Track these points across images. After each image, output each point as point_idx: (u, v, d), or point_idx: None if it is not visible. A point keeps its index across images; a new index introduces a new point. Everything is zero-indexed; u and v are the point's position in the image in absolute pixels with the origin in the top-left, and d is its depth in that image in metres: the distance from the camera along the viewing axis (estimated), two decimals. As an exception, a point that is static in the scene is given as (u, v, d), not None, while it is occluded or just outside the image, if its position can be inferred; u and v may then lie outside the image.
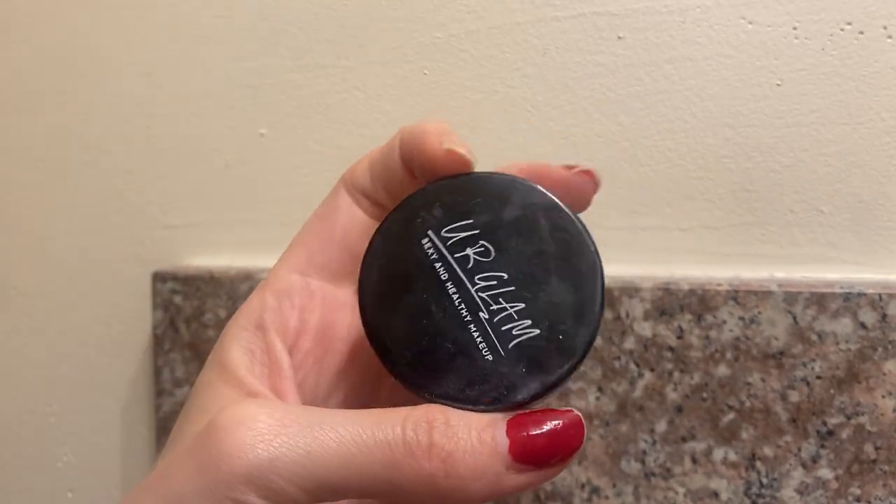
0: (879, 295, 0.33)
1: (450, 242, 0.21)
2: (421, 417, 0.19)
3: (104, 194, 0.44)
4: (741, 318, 0.34)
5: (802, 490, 0.34)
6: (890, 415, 0.33)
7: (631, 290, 0.35)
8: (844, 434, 0.34)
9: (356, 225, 0.24)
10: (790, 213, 0.36)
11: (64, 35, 0.43)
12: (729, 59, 0.36)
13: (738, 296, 0.34)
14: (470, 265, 0.21)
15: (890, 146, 0.35)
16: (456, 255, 0.21)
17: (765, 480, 0.35)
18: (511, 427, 0.20)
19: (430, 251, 0.22)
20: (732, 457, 0.35)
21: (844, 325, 0.33)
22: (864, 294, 0.33)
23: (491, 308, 0.21)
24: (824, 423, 0.34)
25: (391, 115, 0.39)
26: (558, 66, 0.37)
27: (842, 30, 0.35)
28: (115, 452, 0.45)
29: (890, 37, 0.34)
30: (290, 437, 0.18)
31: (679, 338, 0.35)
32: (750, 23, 0.35)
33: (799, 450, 0.34)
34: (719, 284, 0.35)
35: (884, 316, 0.33)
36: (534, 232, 0.21)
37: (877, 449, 0.34)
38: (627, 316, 0.35)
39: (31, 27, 0.44)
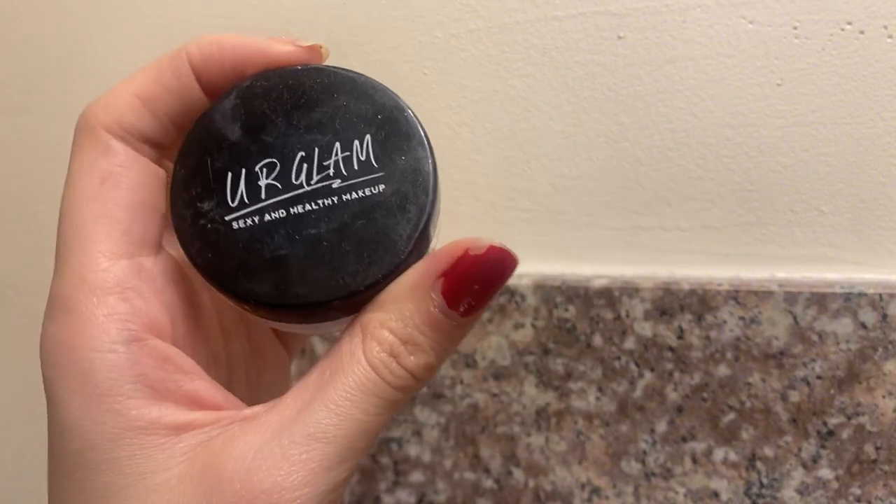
0: (880, 295, 0.33)
1: (246, 201, 0.20)
2: (373, 349, 0.19)
3: (104, 194, 0.43)
4: (741, 318, 0.34)
5: (803, 490, 0.34)
6: (890, 415, 0.33)
7: (631, 290, 0.35)
8: (845, 434, 0.34)
9: (152, 179, 0.21)
10: (791, 212, 0.36)
11: (64, 35, 0.43)
12: (729, 59, 0.36)
13: (739, 296, 0.34)
14: (274, 185, 0.20)
15: (891, 146, 0.35)
16: (261, 199, 0.20)
17: (765, 481, 0.35)
18: (447, 295, 0.19)
19: (244, 223, 0.20)
20: (733, 457, 0.35)
21: (845, 325, 0.33)
22: (865, 294, 0.33)
23: (320, 192, 0.20)
24: (825, 424, 0.34)
25: (391, 115, 0.39)
26: (558, 65, 0.37)
27: (842, 30, 0.35)
28: (115, 452, 0.45)
29: (890, 36, 0.34)
30: (296, 468, 0.18)
31: (679, 338, 0.35)
32: (750, 22, 0.35)
33: (799, 450, 0.34)
34: (720, 284, 0.35)
35: (884, 316, 0.33)
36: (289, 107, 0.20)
37: (877, 449, 0.34)
38: (627, 316, 0.35)
39: (31, 27, 0.44)
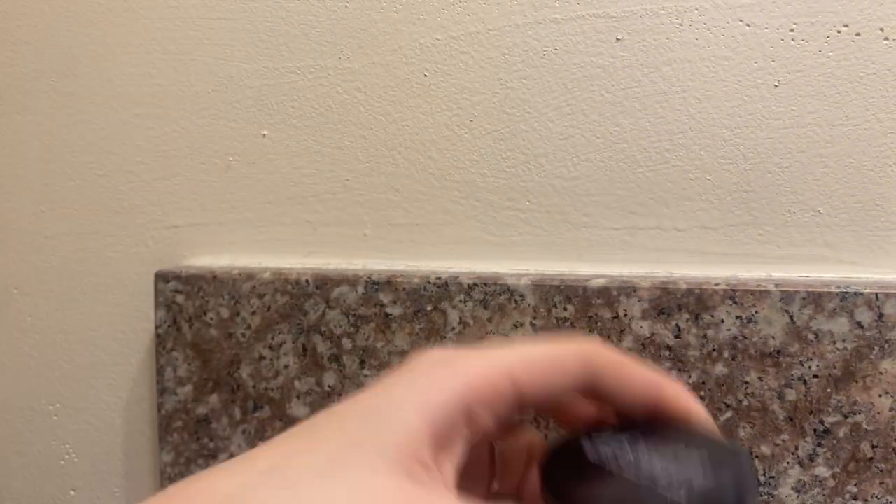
0: (876, 294, 0.33)
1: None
2: None
3: (106, 194, 0.44)
4: (738, 318, 0.35)
5: (800, 488, 0.35)
6: (886, 413, 0.34)
7: (629, 290, 0.36)
8: (841, 432, 0.34)
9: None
10: (787, 213, 0.36)
11: (65, 35, 0.44)
12: (726, 61, 0.36)
13: (736, 295, 0.35)
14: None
15: (886, 147, 0.35)
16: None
17: (762, 478, 0.35)
18: None
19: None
20: (730, 455, 0.35)
21: (841, 325, 0.34)
22: (861, 294, 0.33)
23: None
24: (821, 422, 0.34)
25: (392, 117, 0.40)
26: (557, 67, 0.38)
27: (838, 32, 0.35)
28: (118, 451, 0.45)
29: (886, 39, 0.35)
30: None
31: (677, 337, 0.35)
32: (747, 25, 0.36)
33: (796, 448, 0.35)
34: (717, 284, 0.35)
35: (880, 315, 0.33)
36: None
37: (873, 447, 0.34)
38: (626, 315, 0.36)
39: (32, 27, 0.44)
